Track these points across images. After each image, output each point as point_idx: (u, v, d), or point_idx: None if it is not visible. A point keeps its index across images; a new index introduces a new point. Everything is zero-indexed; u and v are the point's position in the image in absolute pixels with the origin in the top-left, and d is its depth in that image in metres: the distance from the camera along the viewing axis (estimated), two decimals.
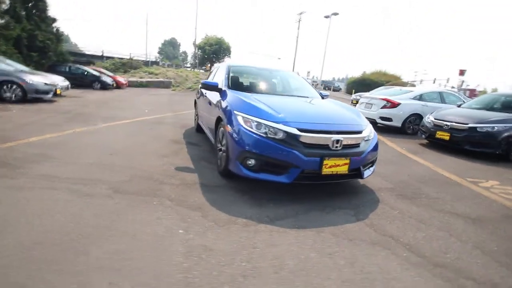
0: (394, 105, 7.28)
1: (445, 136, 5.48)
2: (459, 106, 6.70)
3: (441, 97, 7.65)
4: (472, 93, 31.97)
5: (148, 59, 26.79)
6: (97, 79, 15.05)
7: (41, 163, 3.10)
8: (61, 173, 2.84)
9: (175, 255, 1.69)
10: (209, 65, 33.07)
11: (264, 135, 2.54)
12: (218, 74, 4.46)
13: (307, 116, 2.79)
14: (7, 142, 3.80)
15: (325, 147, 2.55)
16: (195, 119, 5.74)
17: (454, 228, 2.39)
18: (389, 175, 3.70)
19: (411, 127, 7.40)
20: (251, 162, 2.57)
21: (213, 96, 3.85)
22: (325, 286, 1.54)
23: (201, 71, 27.63)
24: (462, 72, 32.05)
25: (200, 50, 31.95)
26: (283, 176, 2.53)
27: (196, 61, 31.98)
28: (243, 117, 2.71)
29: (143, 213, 2.18)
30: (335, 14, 21.20)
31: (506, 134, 4.87)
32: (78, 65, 15.61)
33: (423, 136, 6.15)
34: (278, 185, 2.88)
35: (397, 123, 7.25)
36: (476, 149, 5.11)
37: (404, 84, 23.40)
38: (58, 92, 8.76)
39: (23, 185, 2.49)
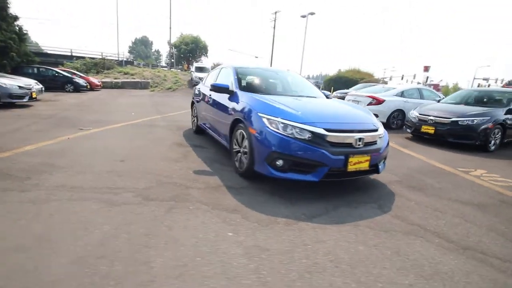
0: (379, 102, 7.71)
1: (430, 130, 5.93)
2: (438, 101, 7.26)
3: (420, 93, 8.23)
4: (436, 88, 34.53)
5: (122, 59, 25.56)
6: (69, 80, 14.15)
7: (51, 173, 2.93)
8: (80, 182, 2.72)
9: (236, 258, 1.73)
10: (187, 64, 32.35)
11: (291, 136, 2.63)
12: (222, 76, 4.46)
13: (328, 117, 2.92)
14: (1, 153, 3.52)
15: (350, 145, 2.70)
16: (193, 121, 5.67)
17: (465, 214, 2.65)
18: (392, 169, 3.96)
19: (395, 122, 7.89)
20: (280, 162, 2.65)
21: (222, 98, 3.86)
22: (384, 274, 1.67)
23: (178, 71, 26.98)
24: (426, 69, 34.43)
25: (175, 49, 31.09)
26: (310, 175, 2.64)
27: (172, 60, 31.10)
28: (268, 119, 2.77)
29: (185, 219, 2.17)
30: (312, 13, 21.79)
31: (484, 126, 5.40)
32: (46, 67, 14.55)
33: (408, 130, 6.59)
34: (301, 185, 2.99)
35: (382, 119, 7.68)
36: (458, 141, 5.60)
37: (376, 81, 24.62)
38: (34, 95, 8.15)
39: (40, 198, 2.35)
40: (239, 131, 3.18)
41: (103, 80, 17.57)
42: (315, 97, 3.92)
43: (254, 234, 2.01)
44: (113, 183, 2.75)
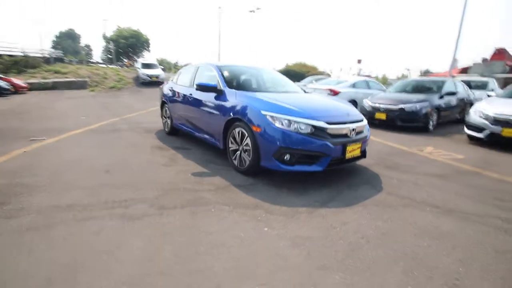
0: (336, 93, 8.42)
1: (383, 116, 6.78)
2: (384, 91, 8.27)
3: (368, 85, 9.24)
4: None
5: (49, 55, 22.12)
6: None
7: (30, 194, 2.56)
8: (75, 200, 2.46)
9: (288, 249, 1.84)
10: (129, 61, 29.65)
11: (296, 131, 2.80)
12: (201, 75, 4.38)
13: (323, 110, 3.17)
14: None
15: (345, 136, 3.00)
16: (166, 123, 5.42)
17: (436, 185, 3.21)
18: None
19: None
20: (287, 156, 2.81)
21: (208, 97, 3.82)
22: (408, 241, 1.98)
23: (119, 67, 24.62)
24: (359, 61, 38.11)
25: (113, 44, 28.15)
26: (315, 165, 2.87)
27: (110, 56, 28.06)
28: (271, 116, 2.89)
29: (215, 221, 2.18)
30: (258, 9, 22.14)
31: (425, 111, 6.40)
32: None
33: None
34: (301, 176, 3.20)
35: None
36: (406, 124, 6.53)
37: (321, 73, 26.41)
38: None
39: (38, 223, 2.08)
40: (238, 129, 3.22)
41: (29, 81, 15.09)
42: (298, 92, 4.16)
43: (287, 226, 2.15)
44: (116, 197, 2.55)
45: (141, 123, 6.61)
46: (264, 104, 3.08)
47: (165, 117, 5.46)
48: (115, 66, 24.47)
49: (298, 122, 2.83)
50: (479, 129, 5.29)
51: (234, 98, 3.41)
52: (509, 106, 5.10)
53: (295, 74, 23.78)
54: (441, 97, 6.93)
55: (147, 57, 30.34)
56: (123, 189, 2.72)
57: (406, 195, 2.86)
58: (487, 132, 5.13)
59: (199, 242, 1.88)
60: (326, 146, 2.82)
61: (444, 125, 7.46)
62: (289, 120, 2.84)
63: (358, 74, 37.82)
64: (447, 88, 7.21)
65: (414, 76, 33.82)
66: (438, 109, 6.74)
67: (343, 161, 3.02)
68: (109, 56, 27.93)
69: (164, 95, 5.41)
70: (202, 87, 3.70)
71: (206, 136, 3.99)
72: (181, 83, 4.93)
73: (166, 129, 5.40)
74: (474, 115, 5.50)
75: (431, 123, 6.62)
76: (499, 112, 5.04)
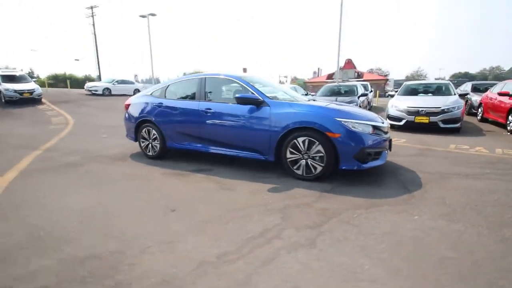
0: None
1: None
2: (313, 96, 9.73)
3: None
4: None
5: None
6: None
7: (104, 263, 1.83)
8: (180, 261, 1.95)
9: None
10: None
11: (367, 132, 3.20)
12: (216, 87, 4.09)
13: (365, 114, 3.64)
14: None
15: (386, 133, 3.60)
16: (150, 145, 4.50)
17: (419, 160, 4.33)
18: None
19: None
20: (366, 156, 3.17)
21: (242, 111, 3.63)
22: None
23: None
24: (245, 70, 41.60)
25: None
26: (379, 160, 3.35)
27: None
28: (345, 121, 3.15)
29: (372, 225, 2.28)
30: (153, 14, 20.19)
31: None
32: None
33: None
34: (359, 173, 3.60)
35: None
36: None
37: None
38: None
39: None
40: (301, 138, 3.26)
41: None
42: (316, 100, 4.46)
43: (432, 211, 2.52)
44: (259, 229, 2.17)
45: (89, 150, 5.16)
46: (333, 111, 3.34)
47: (146, 139, 4.56)
48: None
49: (366, 125, 3.24)
50: (398, 119, 7.24)
51: (287, 109, 3.42)
52: (414, 101, 7.27)
53: None
54: (359, 97, 8.91)
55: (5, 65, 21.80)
56: (231, 226, 2.33)
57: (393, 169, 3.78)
58: (404, 120, 7.11)
59: (375, 245, 1.99)
60: (385, 142, 3.36)
61: None
62: (359, 123, 3.20)
63: None
64: (360, 90, 9.33)
65: (289, 82, 40.18)
66: (360, 107, 8.64)
67: (389, 151, 3.64)
68: None
69: (145, 113, 4.51)
70: (243, 100, 3.51)
71: (240, 151, 3.75)
72: (178, 98, 4.33)
73: (150, 153, 4.53)
74: (392, 109, 7.47)
75: None
76: (410, 105, 7.10)
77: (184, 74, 29.84)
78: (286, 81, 42.59)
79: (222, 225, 2.31)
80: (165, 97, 4.47)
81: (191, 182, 3.45)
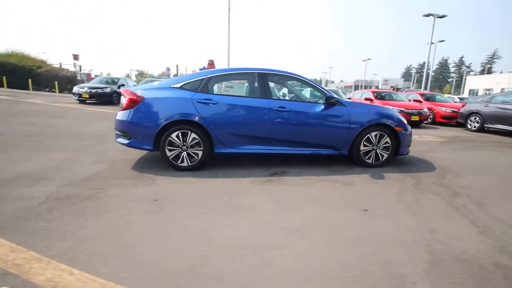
0: None
1: None
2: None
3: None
4: (89, 77, 34.99)
5: None
6: None
7: None
8: None
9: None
10: None
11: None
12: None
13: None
14: None
15: None
16: (186, 155, 3.43)
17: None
18: None
19: None
20: (410, 144, 4.29)
21: (318, 110, 3.77)
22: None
23: None
24: (76, 57, 33.12)
25: None
26: None
27: None
28: (402, 118, 4.13)
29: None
30: None
31: None
32: None
33: None
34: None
35: None
36: None
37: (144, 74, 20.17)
38: None
39: None
40: (374, 133, 3.88)
41: None
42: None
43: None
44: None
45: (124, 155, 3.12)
46: (393, 111, 4.19)
47: (177, 146, 3.44)
48: None
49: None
50: None
51: (362, 109, 3.96)
52: None
53: (14, 69, 16.98)
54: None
55: None
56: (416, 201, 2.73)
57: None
58: None
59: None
60: None
61: None
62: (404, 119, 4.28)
63: (79, 73, 32.92)
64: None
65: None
66: None
67: None
68: None
69: (182, 111, 3.37)
70: (330, 100, 3.70)
71: (316, 149, 3.83)
72: (229, 94, 3.60)
73: (185, 163, 3.47)
74: None
75: None
76: None
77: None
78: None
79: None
80: (208, 91, 3.56)
81: (302, 186, 3.19)
